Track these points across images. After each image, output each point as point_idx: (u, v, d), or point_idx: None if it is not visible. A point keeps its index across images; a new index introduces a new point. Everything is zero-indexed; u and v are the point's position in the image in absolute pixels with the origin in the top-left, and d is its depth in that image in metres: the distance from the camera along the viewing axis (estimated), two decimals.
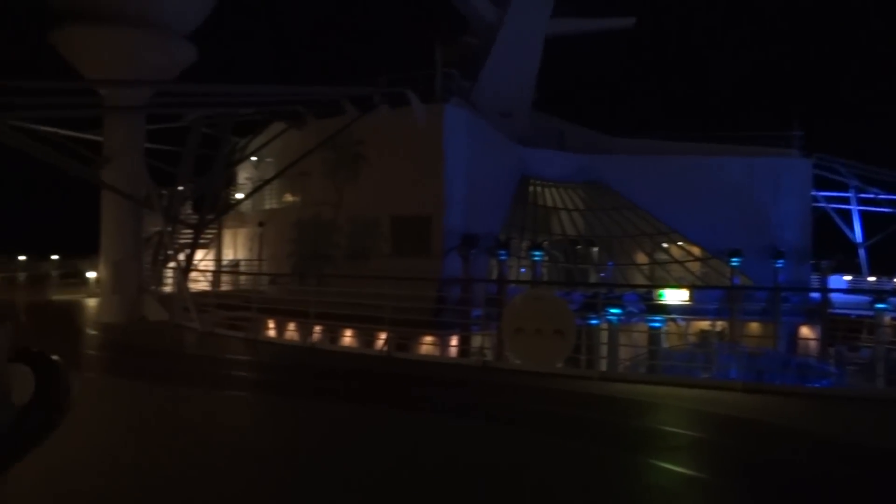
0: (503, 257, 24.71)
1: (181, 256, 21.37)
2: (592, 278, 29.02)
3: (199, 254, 22.79)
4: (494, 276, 24.79)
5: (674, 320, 27.83)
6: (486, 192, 25.94)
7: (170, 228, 21.50)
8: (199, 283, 23.41)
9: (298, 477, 6.04)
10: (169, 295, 21.91)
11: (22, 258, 45.62)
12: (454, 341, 21.69)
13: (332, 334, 21.38)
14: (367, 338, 21.01)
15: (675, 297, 27.72)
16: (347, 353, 16.21)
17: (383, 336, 18.68)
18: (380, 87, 21.89)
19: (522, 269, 27.83)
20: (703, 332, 28.04)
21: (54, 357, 2.67)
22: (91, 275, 32.64)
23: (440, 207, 23.36)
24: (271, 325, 22.92)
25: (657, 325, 26.42)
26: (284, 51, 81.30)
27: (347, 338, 22.09)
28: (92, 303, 25.15)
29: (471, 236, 23.60)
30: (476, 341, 21.38)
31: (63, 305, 25.34)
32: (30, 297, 29.45)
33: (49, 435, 2.06)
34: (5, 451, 1.92)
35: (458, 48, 31.27)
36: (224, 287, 26.00)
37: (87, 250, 37.13)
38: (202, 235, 22.13)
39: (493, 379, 11.25)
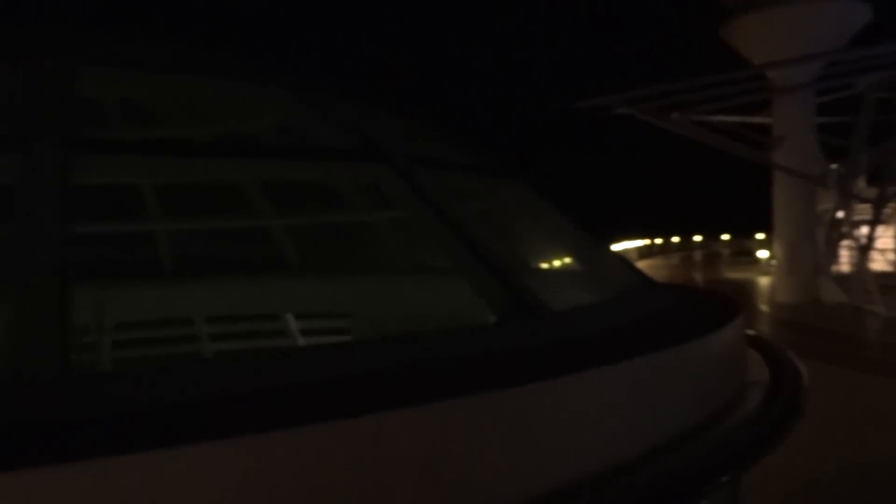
0: None
1: (858, 234, 20.23)
2: None
3: (878, 231, 20.95)
4: None
5: None
6: None
7: (844, 205, 20.54)
8: (878, 262, 21.60)
9: None
10: (846, 276, 20.92)
11: (697, 238, 50.89)
12: None
13: None
14: None
15: None
16: None
17: None
18: None
19: None
20: None
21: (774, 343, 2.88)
22: (762, 254, 33.78)
23: None
24: None
25: None
26: None
27: None
28: (763, 281, 25.98)
29: None
30: None
31: (737, 283, 26.91)
32: (705, 274, 32.38)
33: (796, 422, 2.06)
34: (759, 438, 1.80)
35: None
36: None
37: (756, 230, 38.60)
38: (881, 211, 20.31)
39: None
